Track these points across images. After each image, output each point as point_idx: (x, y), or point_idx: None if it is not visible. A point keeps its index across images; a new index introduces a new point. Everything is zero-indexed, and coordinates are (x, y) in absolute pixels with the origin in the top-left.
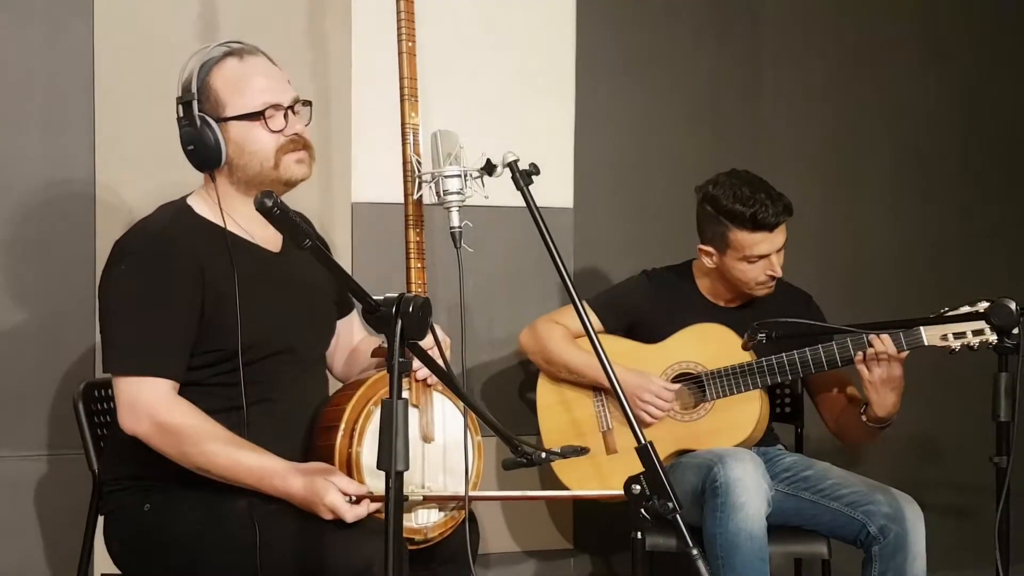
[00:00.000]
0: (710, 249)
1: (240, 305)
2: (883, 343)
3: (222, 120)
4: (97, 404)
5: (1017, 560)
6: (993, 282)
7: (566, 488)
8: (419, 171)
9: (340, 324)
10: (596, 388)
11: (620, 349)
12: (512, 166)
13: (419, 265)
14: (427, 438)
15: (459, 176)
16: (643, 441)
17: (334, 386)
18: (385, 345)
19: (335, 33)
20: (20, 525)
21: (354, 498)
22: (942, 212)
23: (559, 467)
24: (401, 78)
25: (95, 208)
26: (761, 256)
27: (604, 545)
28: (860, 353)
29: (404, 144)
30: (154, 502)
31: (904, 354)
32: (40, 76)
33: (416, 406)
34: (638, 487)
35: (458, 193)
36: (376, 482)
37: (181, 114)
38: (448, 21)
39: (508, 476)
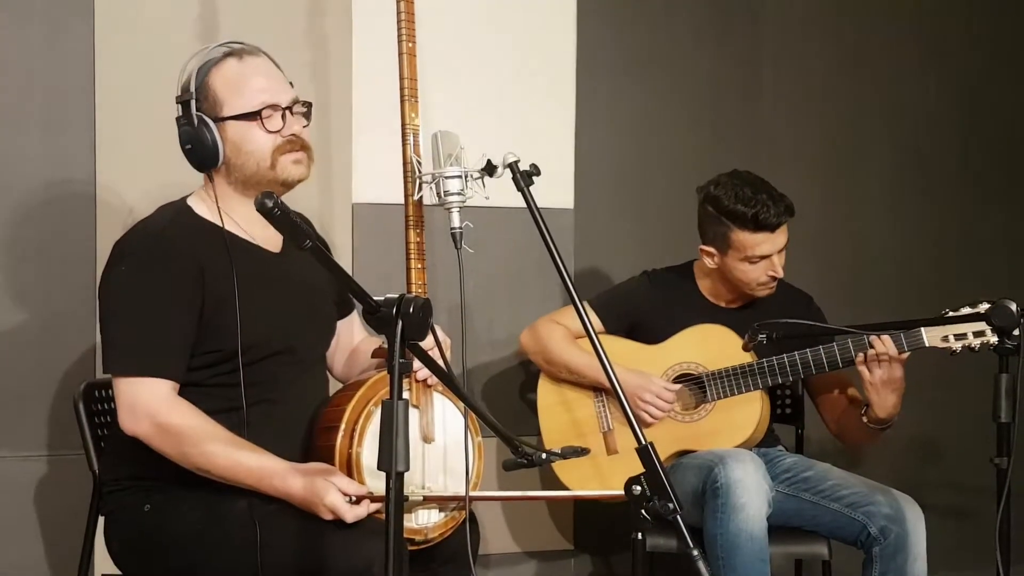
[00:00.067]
0: (711, 250)
1: (240, 306)
2: (884, 344)
3: (220, 120)
4: (97, 404)
5: (1017, 561)
6: (994, 283)
7: (567, 489)
8: (419, 172)
9: (340, 325)
10: (597, 389)
11: (621, 350)
12: (513, 167)
13: (419, 266)
14: (427, 439)
15: (460, 177)
16: (643, 442)
17: (334, 387)
18: (385, 346)
19: (335, 33)
20: (20, 525)
21: (354, 498)
22: (942, 212)
23: (559, 468)
24: (401, 79)
25: (95, 208)
26: (762, 257)
27: (604, 546)
28: (861, 354)
29: (404, 145)
30: (154, 502)
31: (905, 355)
32: (40, 76)
33: (416, 407)
34: (639, 488)
35: (459, 194)
36: (376, 482)
37: (180, 114)
38: (448, 22)
39: (508, 477)
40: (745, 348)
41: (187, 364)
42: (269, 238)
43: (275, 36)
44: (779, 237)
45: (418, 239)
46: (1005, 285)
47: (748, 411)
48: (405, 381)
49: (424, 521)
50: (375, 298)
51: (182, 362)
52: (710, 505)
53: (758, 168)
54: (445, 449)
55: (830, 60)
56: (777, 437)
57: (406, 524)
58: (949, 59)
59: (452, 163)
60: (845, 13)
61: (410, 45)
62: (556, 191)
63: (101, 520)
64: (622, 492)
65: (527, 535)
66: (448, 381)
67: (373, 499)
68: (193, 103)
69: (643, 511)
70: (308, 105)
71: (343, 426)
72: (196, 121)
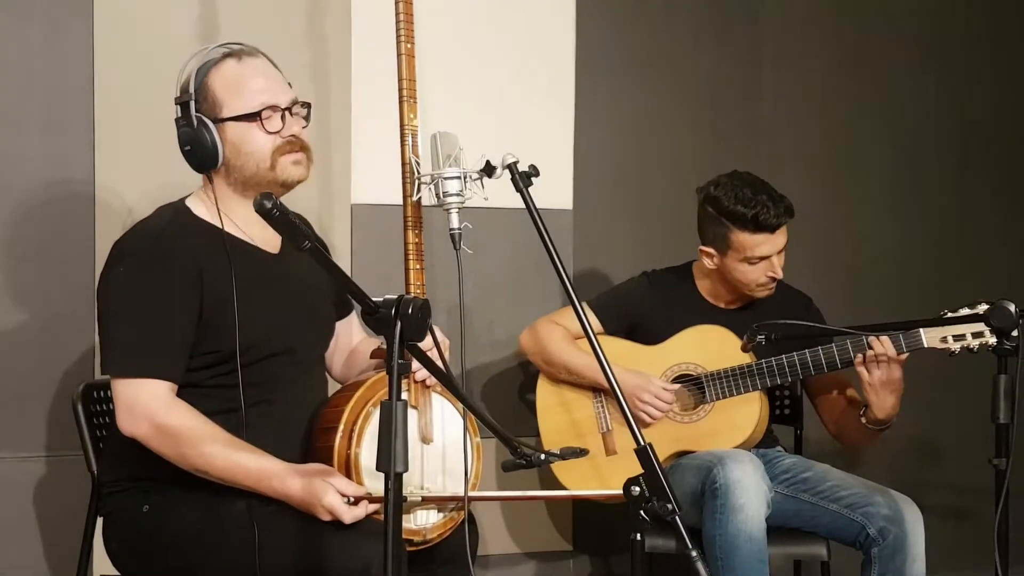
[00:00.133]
0: (711, 250)
1: (238, 307)
2: (883, 345)
3: (219, 121)
4: (96, 405)
5: (1016, 562)
6: (993, 284)
7: (566, 490)
8: (418, 172)
9: (339, 325)
10: (596, 389)
11: (620, 350)
12: (512, 168)
13: (418, 266)
14: (426, 439)
15: (459, 178)
16: (642, 442)
17: (333, 387)
18: (384, 346)
19: (335, 34)
20: (19, 526)
21: (352, 499)
22: (942, 212)
23: (559, 468)
24: (400, 79)
25: (95, 209)
26: (762, 257)
27: (603, 546)
28: (860, 355)
29: (403, 145)
30: (153, 503)
31: (904, 356)
32: (40, 76)
33: (415, 407)
34: (637, 489)
35: (458, 195)
36: (375, 483)
37: (179, 115)
38: (448, 22)
39: (507, 478)
40: (744, 349)
41: (186, 365)
42: (268, 239)
43: (275, 37)
44: (779, 238)
45: (417, 240)
46: (1004, 285)
47: (747, 412)
48: (404, 382)
49: (423, 522)
50: (374, 299)
51: (181, 363)
52: (709, 506)
53: (758, 168)
54: (444, 450)
55: (830, 60)
56: (776, 438)
57: (405, 525)
58: (949, 59)
59: (451, 164)
60: (845, 13)
61: (409, 46)
62: (555, 192)
63: (100, 521)
64: (621, 492)
65: (526, 536)
66: (447, 382)
67: (371, 500)
68: (192, 104)
69: (642, 512)
70: (307, 106)
71: (342, 427)
72: (195, 122)
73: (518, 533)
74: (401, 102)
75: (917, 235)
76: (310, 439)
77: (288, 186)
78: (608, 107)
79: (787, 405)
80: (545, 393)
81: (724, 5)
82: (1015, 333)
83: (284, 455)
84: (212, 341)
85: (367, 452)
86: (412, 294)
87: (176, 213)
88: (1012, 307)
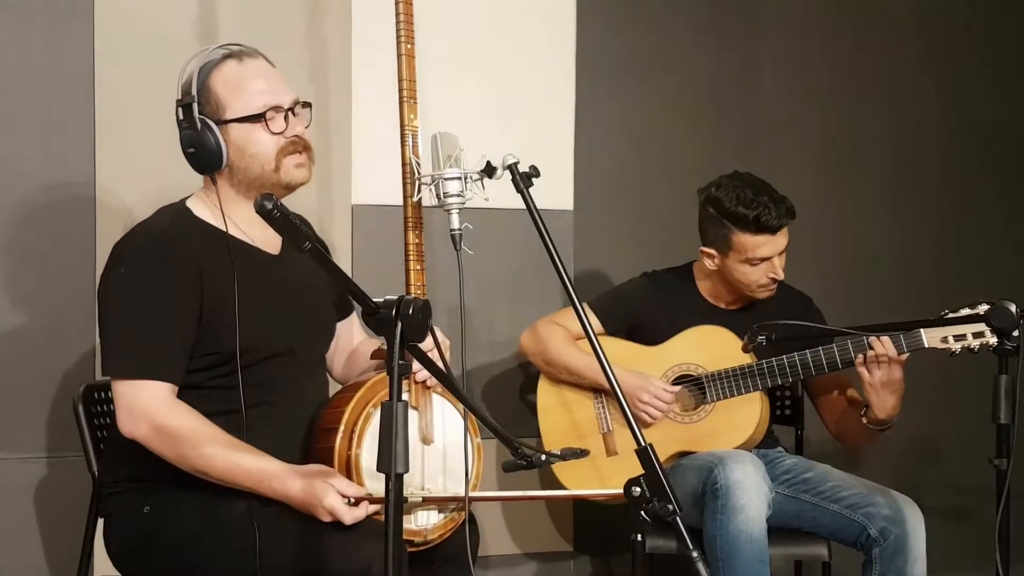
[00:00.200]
0: (712, 251)
1: (239, 308)
2: (883, 345)
3: (222, 123)
4: (97, 406)
5: (1017, 562)
6: (993, 284)
7: (566, 491)
8: (419, 173)
9: (340, 326)
10: (596, 390)
11: (620, 351)
12: (512, 168)
13: (418, 267)
14: (426, 440)
15: (459, 178)
16: (643, 443)
17: (334, 388)
18: (385, 347)
19: (335, 34)
20: (20, 527)
21: (352, 500)
22: (942, 213)
23: (559, 469)
24: (400, 80)
25: (95, 210)
26: (763, 259)
27: (604, 547)
28: (860, 355)
29: (403, 146)
30: (153, 504)
31: (904, 356)
32: (40, 77)
33: (416, 408)
34: (638, 489)
35: (458, 195)
36: (375, 484)
37: (181, 117)
38: (447, 23)
39: (508, 478)
40: (745, 349)
41: (186, 366)
42: (268, 240)
43: (275, 37)
44: (780, 239)
45: (417, 240)
46: (1004, 285)
47: (748, 412)
48: (404, 383)
49: (423, 522)
50: (374, 300)
51: (181, 364)
52: (710, 506)
53: (758, 168)
54: (444, 450)
55: (830, 60)
56: (777, 438)
57: (405, 526)
58: (949, 59)
59: (451, 164)
60: (845, 13)
61: (409, 46)
62: (556, 192)
63: (100, 522)
64: (621, 492)
65: (527, 537)
66: (447, 382)
67: (372, 501)
68: (195, 106)
69: (643, 512)
70: (308, 106)
71: (342, 428)
72: (199, 125)
73: (519, 534)
74: (401, 103)
75: (917, 235)
76: (310, 440)
77: (291, 188)
78: (608, 107)
79: (788, 406)
80: (546, 394)
81: (724, 5)
82: (1016, 333)
83: (284, 456)
84: (212, 342)
85: (368, 453)
86: (412, 295)
87: (177, 214)
88: (1012, 307)
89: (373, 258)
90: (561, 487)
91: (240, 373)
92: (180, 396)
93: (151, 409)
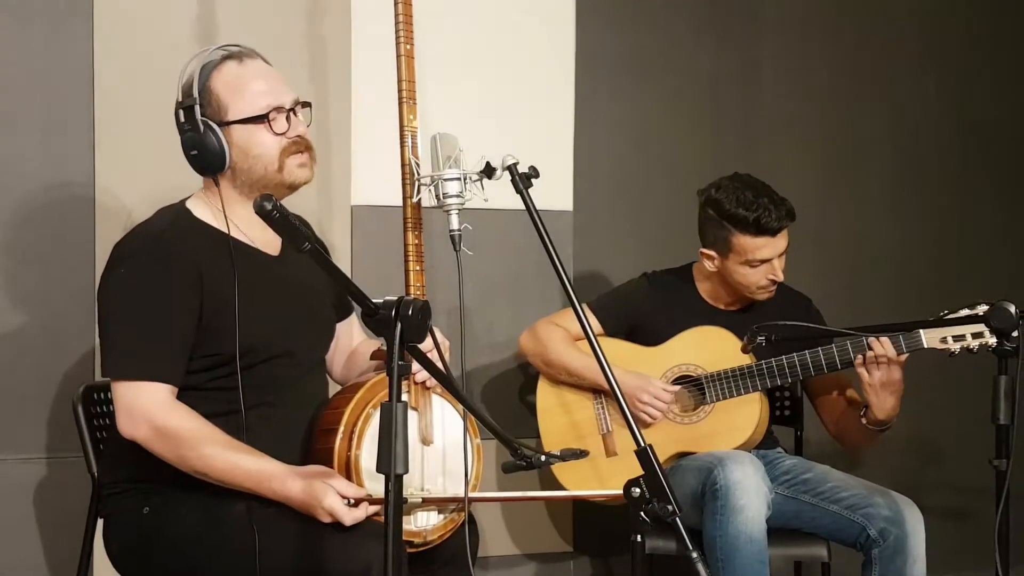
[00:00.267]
0: (712, 253)
1: (239, 309)
2: (882, 346)
3: (225, 124)
4: (96, 407)
5: (1017, 562)
6: (993, 284)
7: (566, 491)
8: (418, 174)
9: (339, 327)
10: (596, 391)
11: (620, 352)
12: (512, 169)
13: (418, 268)
14: (426, 441)
15: (459, 179)
16: (643, 444)
17: (333, 389)
18: (384, 348)
19: (335, 35)
20: (19, 528)
21: (352, 501)
22: (942, 213)
23: (559, 470)
24: (399, 81)
25: (95, 211)
26: (763, 260)
27: (604, 548)
28: (860, 356)
29: (403, 147)
30: (153, 505)
31: (903, 357)
32: (40, 77)
33: (415, 409)
34: (638, 490)
35: (457, 196)
36: (375, 485)
37: (183, 119)
38: (447, 23)
39: (507, 479)
40: (744, 350)
41: (186, 367)
42: (268, 241)
43: (274, 37)
44: (780, 241)
45: (417, 241)
46: (1004, 286)
47: (747, 413)
48: (404, 383)
49: (423, 523)
50: (374, 300)
51: (181, 366)
52: (709, 507)
53: (758, 169)
54: (444, 451)
55: (830, 60)
56: (776, 439)
57: (405, 526)
58: (949, 59)
59: (451, 165)
60: (845, 13)
61: (408, 47)
62: (555, 193)
63: (100, 522)
64: (621, 493)
65: (526, 537)
66: (447, 383)
67: (372, 501)
68: (197, 108)
69: (642, 513)
70: (308, 106)
71: (342, 428)
72: (202, 127)
73: (518, 534)
74: (401, 103)
75: (917, 235)
76: (310, 441)
77: (294, 188)
78: (608, 107)
79: (787, 406)
80: (545, 394)
81: (724, 5)
82: (1015, 334)
83: (284, 457)
84: (212, 343)
85: (367, 454)
86: (412, 295)
87: (177, 215)
88: (1012, 308)
89: (372, 259)
90: (561, 488)
91: (240, 374)
92: (180, 397)
93: (151, 410)
